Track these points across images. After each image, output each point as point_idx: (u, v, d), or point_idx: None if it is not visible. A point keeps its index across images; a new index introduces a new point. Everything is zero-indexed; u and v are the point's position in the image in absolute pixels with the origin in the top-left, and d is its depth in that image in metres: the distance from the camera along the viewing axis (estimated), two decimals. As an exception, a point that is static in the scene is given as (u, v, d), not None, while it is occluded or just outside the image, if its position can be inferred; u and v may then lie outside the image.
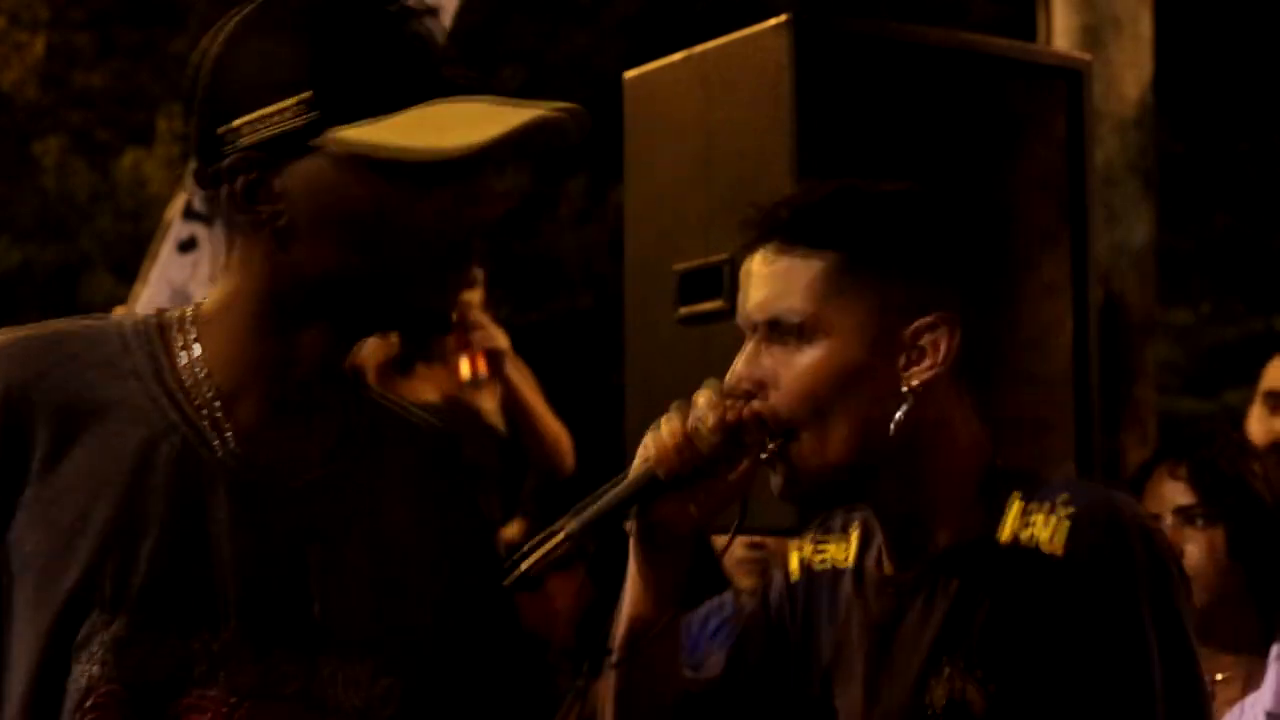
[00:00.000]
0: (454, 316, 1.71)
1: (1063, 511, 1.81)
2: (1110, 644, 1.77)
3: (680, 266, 3.02)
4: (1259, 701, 2.78)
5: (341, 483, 1.70)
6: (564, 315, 12.21)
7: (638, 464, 1.89)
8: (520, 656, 1.83)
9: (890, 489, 1.89)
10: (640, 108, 3.15)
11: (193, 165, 1.66)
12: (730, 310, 2.99)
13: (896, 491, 1.89)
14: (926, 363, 1.86)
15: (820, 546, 2.04)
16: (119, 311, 5.35)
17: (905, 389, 1.85)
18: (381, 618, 1.69)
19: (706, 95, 3.01)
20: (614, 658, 1.92)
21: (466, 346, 4.50)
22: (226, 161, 1.62)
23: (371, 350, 4.29)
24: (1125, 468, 5.59)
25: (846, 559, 2.00)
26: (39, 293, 14.34)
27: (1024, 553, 1.82)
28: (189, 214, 5.24)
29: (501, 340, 4.55)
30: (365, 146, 1.59)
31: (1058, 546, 1.80)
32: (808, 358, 1.85)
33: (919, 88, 2.94)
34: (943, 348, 1.86)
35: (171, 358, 1.66)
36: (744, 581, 4.11)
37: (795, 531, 2.28)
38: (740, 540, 4.12)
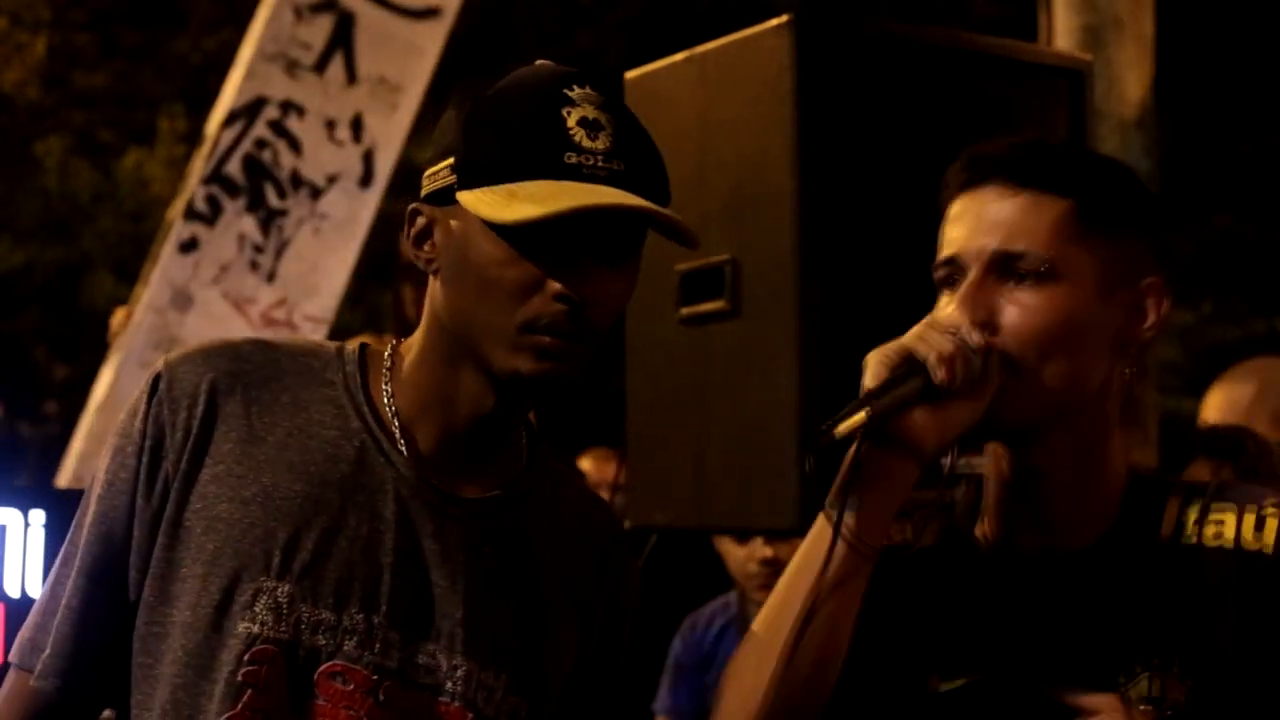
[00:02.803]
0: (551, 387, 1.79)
1: (1269, 510, 1.81)
2: None
3: (681, 266, 3.03)
4: None
5: (503, 514, 1.86)
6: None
7: (884, 368, 1.74)
8: None
9: (1063, 452, 1.84)
10: (641, 108, 3.13)
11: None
12: (730, 310, 3.00)
13: (1069, 456, 1.84)
14: (1150, 322, 1.84)
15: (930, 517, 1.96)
16: (120, 312, 5.39)
17: (1132, 348, 1.83)
18: (520, 642, 1.83)
19: (707, 95, 3.01)
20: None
21: None
22: (410, 207, 1.82)
23: None
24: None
25: (970, 529, 1.93)
26: (40, 293, 14.35)
27: (1213, 552, 1.81)
28: (190, 215, 5.25)
29: None
30: (466, 207, 1.75)
31: (1267, 545, 1.79)
32: (1044, 298, 1.79)
33: (920, 88, 2.95)
34: (1164, 310, 1.84)
35: (366, 376, 1.86)
36: (756, 595, 4.08)
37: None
38: (754, 555, 4.10)
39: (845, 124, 2.86)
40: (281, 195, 5.31)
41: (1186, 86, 11.39)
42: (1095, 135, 3.29)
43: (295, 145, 5.32)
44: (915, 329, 1.78)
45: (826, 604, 1.76)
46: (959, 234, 1.84)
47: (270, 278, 5.30)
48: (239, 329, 5.13)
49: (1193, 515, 1.85)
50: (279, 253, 5.31)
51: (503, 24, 12.53)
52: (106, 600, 1.81)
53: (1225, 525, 1.82)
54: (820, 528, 1.79)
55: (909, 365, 1.75)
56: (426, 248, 1.81)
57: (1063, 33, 5.86)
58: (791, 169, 2.82)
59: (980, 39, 3.11)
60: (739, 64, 2.95)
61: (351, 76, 5.39)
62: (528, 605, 1.84)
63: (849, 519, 1.76)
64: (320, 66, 5.36)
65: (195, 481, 1.79)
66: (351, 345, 1.90)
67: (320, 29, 5.36)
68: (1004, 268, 1.80)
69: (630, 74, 3.19)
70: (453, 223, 1.77)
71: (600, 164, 1.74)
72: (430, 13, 5.46)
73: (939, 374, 1.73)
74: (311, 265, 5.34)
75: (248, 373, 1.83)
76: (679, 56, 3.09)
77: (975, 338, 1.76)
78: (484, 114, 1.77)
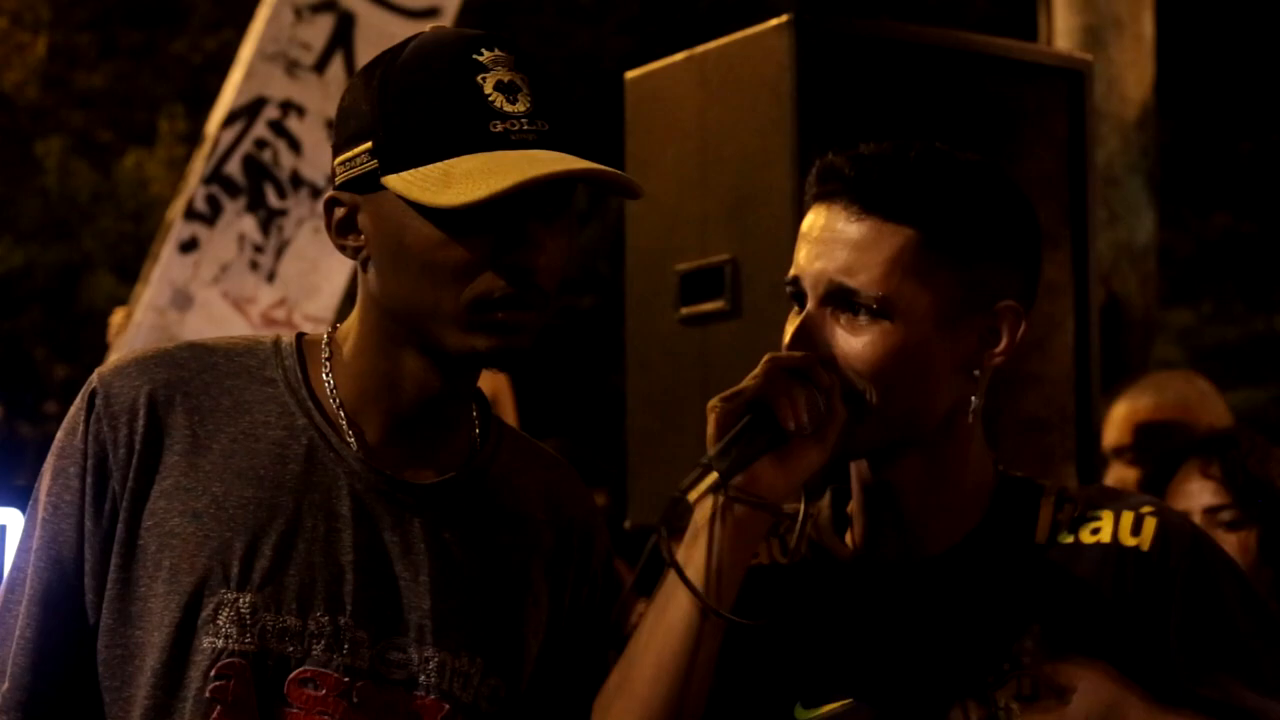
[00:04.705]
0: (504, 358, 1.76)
1: (1146, 510, 1.84)
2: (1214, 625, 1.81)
3: (680, 266, 3.03)
4: None
5: (462, 495, 1.83)
6: (564, 315, 12.21)
7: (728, 419, 1.75)
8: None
9: (917, 468, 1.86)
10: (641, 108, 3.15)
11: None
12: (730, 310, 3.00)
13: (923, 471, 1.86)
14: (1001, 347, 1.84)
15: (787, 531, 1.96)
16: (119, 312, 5.39)
17: (976, 372, 1.83)
18: (492, 622, 1.80)
19: (707, 95, 3.01)
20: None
21: None
22: (326, 196, 1.79)
23: None
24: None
25: (832, 540, 1.94)
26: (40, 293, 14.36)
27: (1089, 548, 1.83)
28: (190, 214, 5.25)
29: None
30: (397, 193, 1.71)
31: (1144, 542, 1.82)
32: (876, 333, 1.78)
33: (920, 88, 2.95)
34: (1017, 334, 1.84)
35: (307, 370, 1.82)
36: None
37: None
38: None
39: (845, 124, 2.85)
40: (281, 195, 5.31)
41: (1186, 86, 11.39)
42: (1095, 135, 3.29)
43: (295, 145, 5.32)
44: (758, 371, 1.77)
45: (682, 667, 1.75)
46: (803, 255, 1.84)
47: (270, 278, 5.31)
48: (239, 328, 5.14)
49: (1068, 517, 1.86)
50: (279, 253, 5.31)
51: (502, 24, 12.52)
52: (63, 627, 1.75)
53: (1103, 523, 1.84)
54: (671, 587, 1.77)
55: (755, 413, 1.75)
56: (351, 238, 1.77)
57: (1063, 33, 5.87)
58: (791, 169, 2.82)
59: (980, 39, 3.11)
60: (739, 64, 2.95)
61: (351, 76, 5.40)
62: (496, 584, 1.81)
63: (701, 580, 1.74)
64: (320, 66, 5.37)
65: (145, 498, 1.74)
66: (288, 337, 1.85)
67: (320, 29, 5.37)
68: (839, 299, 1.80)
69: (630, 74, 3.19)
70: (380, 208, 1.73)
71: (526, 127, 1.70)
72: (430, 13, 5.46)
73: (788, 423, 1.74)
74: (312, 265, 5.35)
75: (185, 380, 1.78)
76: (679, 56, 3.09)
77: (822, 377, 1.76)
78: (395, 92, 1.73)
